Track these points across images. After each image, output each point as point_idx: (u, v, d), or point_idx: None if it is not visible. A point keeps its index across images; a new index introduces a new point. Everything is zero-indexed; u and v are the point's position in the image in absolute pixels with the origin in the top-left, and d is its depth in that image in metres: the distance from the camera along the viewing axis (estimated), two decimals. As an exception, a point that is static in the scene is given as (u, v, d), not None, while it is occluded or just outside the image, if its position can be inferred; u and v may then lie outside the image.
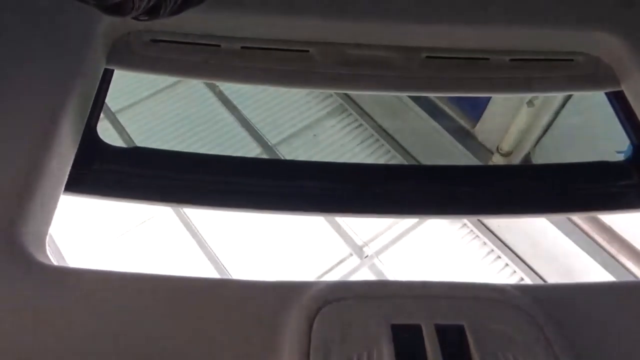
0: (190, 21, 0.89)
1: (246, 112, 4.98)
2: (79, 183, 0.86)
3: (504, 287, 0.62)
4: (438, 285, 0.64)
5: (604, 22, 0.93)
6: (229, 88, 5.12)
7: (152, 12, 0.54)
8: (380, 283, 0.59)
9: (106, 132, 4.81)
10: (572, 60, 1.01)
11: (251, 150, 4.77)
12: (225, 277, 4.06)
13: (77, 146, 0.80)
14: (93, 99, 0.86)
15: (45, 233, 0.71)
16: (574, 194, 1.07)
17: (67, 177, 0.76)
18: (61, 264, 4.05)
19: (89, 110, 0.83)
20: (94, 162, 0.90)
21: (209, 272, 4.12)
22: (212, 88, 5.14)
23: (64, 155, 0.76)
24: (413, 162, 4.71)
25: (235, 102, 5.03)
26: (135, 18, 0.55)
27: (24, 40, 0.82)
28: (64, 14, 0.83)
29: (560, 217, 3.58)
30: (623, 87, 0.96)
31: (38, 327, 0.58)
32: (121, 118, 4.87)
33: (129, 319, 0.59)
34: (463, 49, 0.98)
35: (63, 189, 0.76)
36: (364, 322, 0.57)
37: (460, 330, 0.58)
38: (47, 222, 0.72)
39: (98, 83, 0.85)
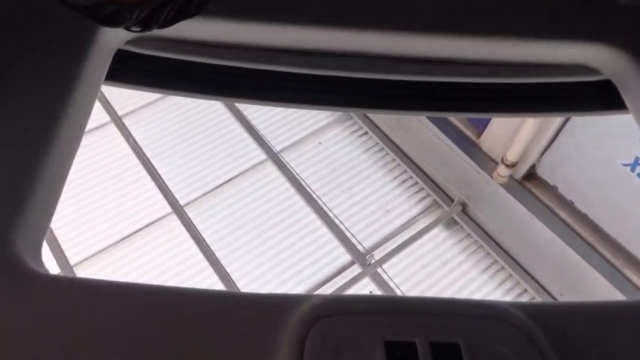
0: (189, 30, 0.89)
1: (251, 118, 4.99)
2: (116, 75, 0.91)
3: (501, 305, 0.61)
4: (434, 302, 0.63)
5: (608, 37, 0.91)
6: (235, 94, 5.13)
7: (145, 23, 0.54)
8: (375, 298, 0.58)
9: (111, 135, 4.83)
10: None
11: (256, 156, 4.78)
12: (226, 281, 4.05)
13: (76, 151, 0.79)
14: (95, 100, 0.85)
15: (42, 241, 0.69)
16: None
17: (64, 184, 0.76)
18: (64, 264, 4.06)
19: (88, 118, 0.82)
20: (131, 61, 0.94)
21: (211, 276, 4.11)
22: (218, 94, 5.15)
23: (62, 161, 0.75)
24: (418, 171, 4.71)
25: (240, 108, 5.05)
26: (128, 29, 0.55)
27: (23, 42, 0.82)
28: (65, 21, 0.83)
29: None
30: (627, 103, 0.94)
31: (31, 337, 0.57)
32: (127, 122, 4.90)
33: (123, 329, 0.58)
34: (464, 61, 0.98)
35: (61, 195, 0.75)
36: (358, 338, 0.56)
37: (455, 348, 0.56)
38: (43, 229, 0.70)
39: (97, 92, 0.85)
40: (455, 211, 4.47)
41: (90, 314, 0.60)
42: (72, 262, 4.12)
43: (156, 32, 0.73)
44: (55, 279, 0.64)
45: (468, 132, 4.37)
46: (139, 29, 0.55)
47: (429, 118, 4.49)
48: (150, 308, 0.60)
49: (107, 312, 0.60)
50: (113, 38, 0.87)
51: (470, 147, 4.33)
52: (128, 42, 0.90)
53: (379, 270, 4.14)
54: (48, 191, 0.71)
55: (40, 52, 0.82)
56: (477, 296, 4.11)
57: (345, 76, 0.99)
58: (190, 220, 4.36)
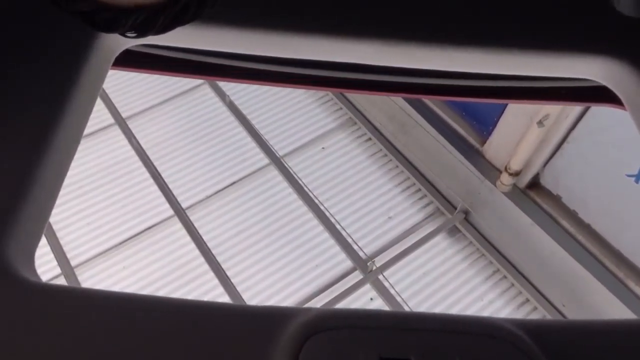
0: (186, 36, 0.88)
1: (255, 122, 4.99)
2: (124, 59, 0.92)
3: (500, 323, 0.59)
4: (432, 318, 0.61)
5: (612, 50, 0.90)
6: (240, 98, 5.14)
7: (141, 29, 0.54)
8: (371, 313, 0.57)
9: (115, 137, 4.83)
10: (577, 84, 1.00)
11: (259, 160, 4.78)
12: (226, 285, 4.04)
13: (72, 158, 0.78)
14: (93, 106, 0.84)
15: (35, 248, 0.68)
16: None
17: (60, 190, 0.75)
18: (65, 265, 4.06)
19: (86, 123, 0.82)
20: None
21: (211, 280, 4.10)
22: (223, 97, 5.16)
23: (58, 167, 0.74)
24: (421, 178, 4.69)
25: (245, 112, 5.05)
26: (124, 35, 0.55)
27: (22, 45, 0.81)
28: (66, 25, 0.82)
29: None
30: (631, 117, 0.92)
31: (21, 346, 0.56)
32: (131, 124, 4.91)
33: (113, 339, 0.58)
34: (465, 73, 0.98)
35: (56, 201, 0.74)
36: (353, 354, 0.55)
37: None
38: (36, 236, 0.69)
39: (96, 98, 0.84)
40: (457, 219, 4.46)
41: (81, 323, 0.59)
42: (73, 263, 4.12)
43: (154, 39, 0.72)
44: (46, 287, 0.63)
45: (472, 140, 4.36)
46: (135, 35, 0.55)
47: (431, 124, 4.49)
48: (140, 319, 0.59)
49: (98, 321, 0.59)
50: (113, 43, 0.86)
51: (474, 155, 4.31)
52: (129, 48, 0.90)
53: (380, 277, 4.13)
54: (43, 198, 0.70)
55: (40, 55, 0.81)
56: (479, 305, 4.09)
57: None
58: (192, 224, 4.36)
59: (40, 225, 0.70)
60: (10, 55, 0.81)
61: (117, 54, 0.88)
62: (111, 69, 0.88)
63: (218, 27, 0.87)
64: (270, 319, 0.59)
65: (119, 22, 0.52)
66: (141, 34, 0.55)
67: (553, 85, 1.10)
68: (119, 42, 0.86)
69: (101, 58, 0.83)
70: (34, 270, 0.65)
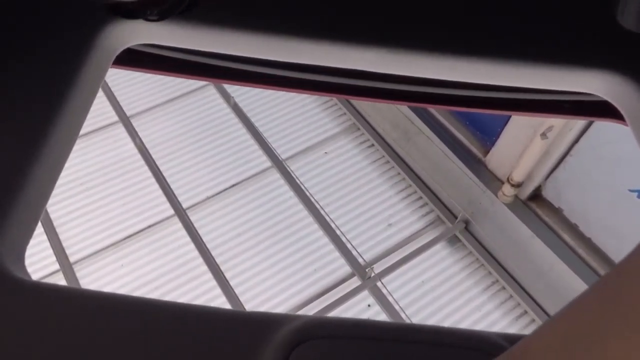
0: (189, 37, 0.88)
1: (259, 125, 5.00)
2: (125, 59, 0.92)
3: (492, 338, 0.59)
4: (421, 330, 0.60)
5: (614, 65, 0.89)
6: (245, 100, 5.15)
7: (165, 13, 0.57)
8: (361, 323, 0.56)
9: (118, 135, 4.84)
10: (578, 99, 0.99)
11: (261, 163, 4.78)
12: (224, 287, 4.04)
13: (68, 156, 0.78)
14: (91, 104, 0.84)
15: (25, 246, 0.68)
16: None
17: (53, 188, 0.74)
18: (64, 261, 4.06)
19: (82, 123, 0.81)
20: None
21: (209, 281, 4.10)
22: (227, 99, 5.17)
23: (53, 164, 0.74)
24: (422, 186, 4.69)
25: (249, 115, 5.06)
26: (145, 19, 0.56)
27: (21, 43, 0.81)
28: (66, 24, 0.82)
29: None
30: (632, 133, 0.92)
31: (11, 344, 0.56)
32: (135, 122, 4.92)
33: (99, 340, 0.57)
34: (468, 83, 0.97)
35: (49, 198, 0.74)
36: None
37: None
38: (28, 235, 0.68)
39: (94, 97, 0.83)
40: (458, 228, 4.44)
41: (70, 322, 0.59)
42: (71, 259, 4.12)
43: (156, 39, 0.72)
44: (36, 286, 0.63)
45: (475, 150, 4.35)
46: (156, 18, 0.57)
47: (434, 132, 4.48)
48: (127, 320, 0.59)
49: (87, 321, 0.59)
50: (115, 42, 0.86)
51: (477, 165, 4.31)
52: (130, 47, 0.89)
53: (379, 284, 4.11)
54: (35, 197, 0.69)
55: (39, 52, 0.81)
56: (476, 315, 4.08)
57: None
58: (192, 224, 4.36)
59: (31, 224, 0.69)
60: (10, 51, 0.81)
61: (118, 52, 0.88)
62: (112, 67, 0.88)
63: (221, 29, 0.87)
64: (258, 325, 0.58)
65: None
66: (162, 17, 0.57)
67: (555, 98, 1.09)
68: (120, 41, 0.86)
69: (101, 56, 0.83)
70: (25, 269, 0.65)
